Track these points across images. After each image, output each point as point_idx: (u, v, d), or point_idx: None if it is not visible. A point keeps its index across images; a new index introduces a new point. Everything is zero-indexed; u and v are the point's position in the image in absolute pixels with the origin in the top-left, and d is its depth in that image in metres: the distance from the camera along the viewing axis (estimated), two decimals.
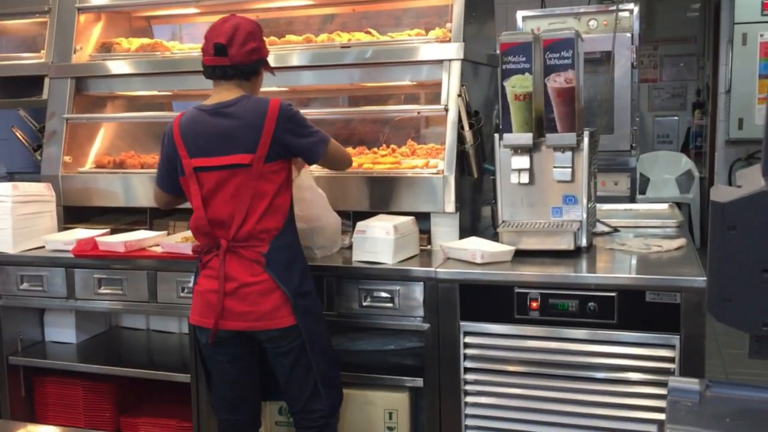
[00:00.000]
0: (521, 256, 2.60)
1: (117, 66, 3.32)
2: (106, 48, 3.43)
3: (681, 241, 2.70)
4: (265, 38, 3.20)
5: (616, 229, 3.00)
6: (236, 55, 2.34)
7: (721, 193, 0.88)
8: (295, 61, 3.11)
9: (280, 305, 2.31)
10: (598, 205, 3.17)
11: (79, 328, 3.19)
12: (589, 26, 4.55)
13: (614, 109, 4.47)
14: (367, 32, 3.17)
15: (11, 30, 3.77)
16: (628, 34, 4.45)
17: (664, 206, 3.55)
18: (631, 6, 4.53)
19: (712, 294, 0.92)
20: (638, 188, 5.40)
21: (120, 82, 3.38)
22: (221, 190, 2.32)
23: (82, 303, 2.93)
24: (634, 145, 4.54)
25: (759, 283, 0.88)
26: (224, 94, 2.38)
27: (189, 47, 3.44)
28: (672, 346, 2.26)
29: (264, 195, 2.31)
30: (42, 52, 3.43)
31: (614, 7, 4.29)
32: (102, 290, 2.88)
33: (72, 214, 3.30)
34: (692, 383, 0.85)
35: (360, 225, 2.65)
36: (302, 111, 3.52)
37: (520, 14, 4.77)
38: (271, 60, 3.10)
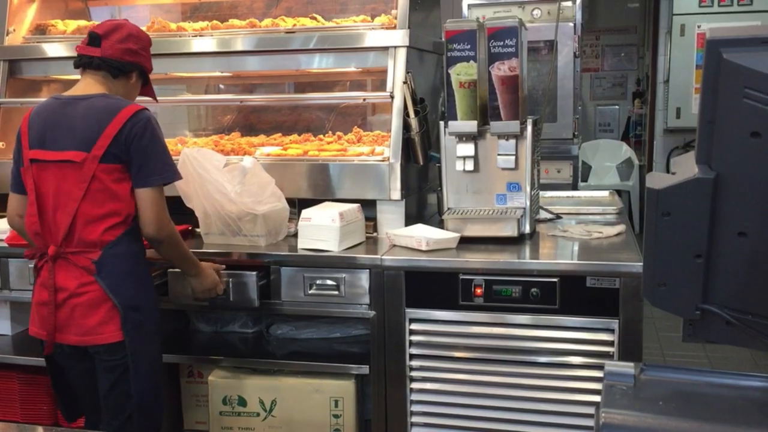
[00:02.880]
0: (466, 242, 2.62)
1: (52, 49, 3.21)
2: (40, 30, 3.31)
3: (620, 228, 2.76)
4: (208, 27, 3.17)
5: (558, 216, 3.04)
6: (108, 48, 2.25)
7: (656, 180, 0.90)
8: (238, 46, 3.05)
9: (109, 319, 2.18)
10: (542, 193, 3.22)
11: (15, 320, 3.09)
12: (533, 15, 4.60)
13: (557, 98, 4.54)
14: (312, 18, 3.14)
15: None
16: (571, 24, 4.52)
17: (605, 193, 3.63)
18: None
19: (646, 278, 0.95)
20: (580, 176, 5.51)
21: (55, 65, 3.26)
22: (53, 188, 2.18)
23: (18, 294, 2.84)
24: (576, 133, 4.63)
25: (692, 268, 0.90)
26: (87, 86, 2.27)
27: None
28: (611, 330, 2.31)
29: (97, 198, 2.16)
30: None
31: None
32: None
33: (6, 203, 3.18)
34: (627, 367, 0.87)
35: (305, 212, 2.63)
36: (247, 96, 3.51)
37: (465, 2, 4.79)
38: (215, 45, 3.07)
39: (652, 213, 0.88)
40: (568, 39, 4.54)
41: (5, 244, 2.77)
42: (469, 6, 4.77)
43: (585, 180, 7.15)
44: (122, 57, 2.27)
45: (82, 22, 3.37)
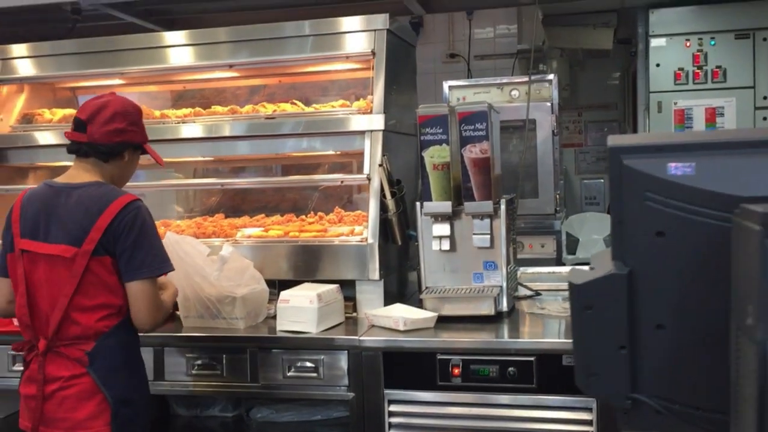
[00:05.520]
0: (446, 322, 2.63)
1: (38, 137, 3.29)
2: (27, 119, 3.40)
3: None
4: (191, 113, 3.26)
5: (537, 293, 3.06)
6: (95, 132, 2.20)
7: (577, 276, 0.93)
8: (220, 131, 3.13)
9: (99, 413, 2.12)
10: (524, 269, 3.25)
11: None
12: (511, 96, 4.73)
13: (537, 174, 4.62)
14: (293, 103, 3.24)
15: None
16: (548, 103, 4.64)
17: (586, 269, 3.65)
18: (550, 77, 4.74)
19: (578, 369, 0.97)
20: (567, 249, 5.54)
21: (42, 152, 3.34)
22: (44, 280, 2.14)
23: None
24: (558, 208, 4.69)
25: (617, 358, 0.93)
26: (79, 173, 2.25)
27: None
28: (589, 409, 2.30)
29: (89, 292, 2.12)
30: None
31: (534, 78, 4.50)
32: (16, 367, 2.77)
33: None
34: None
35: (284, 294, 2.65)
36: (227, 180, 3.56)
37: (446, 84, 4.92)
38: (198, 131, 3.16)
39: (575, 306, 0.91)
40: (547, 117, 4.66)
41: None
42: (450, 87, 4.90)
43: (573, 253, 7.17)
44: (110, 140, 2.22)
45: (69, 111, 3.45)
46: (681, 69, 5.67)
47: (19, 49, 3.42)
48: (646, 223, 0.88)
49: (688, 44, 5.65)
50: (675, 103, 5.95)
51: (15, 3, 3.39)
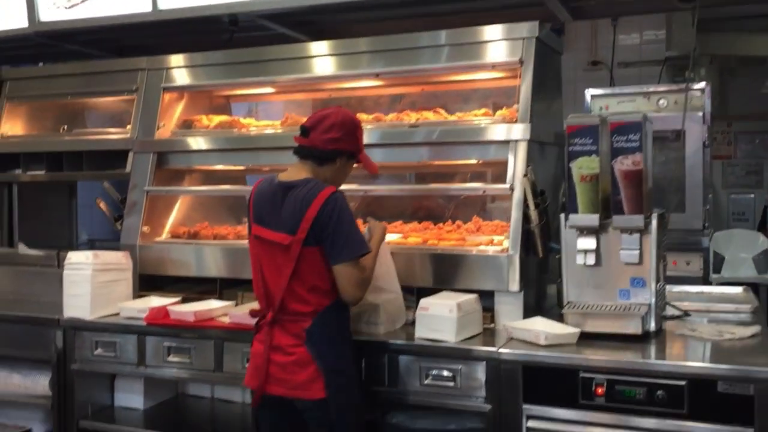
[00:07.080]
0: (587, 338, 2.55)
1: (196, 142, 3.49)
2: (187, 125, 3.60)
3: (755, 329, 2.61)
4: None
5: (686, 313, 2.91)
6: (315, 139, 2.52)
7: None
8: (364, 139, 3.18)
9: (315, 378, 2.41)
10: (670, 287, 3.10)
11: (147, 395, 3.26)
12: (658, 105, 4.53)
13: (685, 188, 4.40)
14: (436, 112, 3.25)
15: (102, 107, 4.03)
16: (700, 113, 4.41)
17: (739, 290, 3.44)
18: (702, 85, 4.50)
19: None
20: (713, 267, 5.23)
21: (198, 156, 3.53)
22: (268, 262, 2.49)
23: (152, 370, 3.01)
24: (706, 225, 4.43)
25: None
26: (297, 171, 2.55)
27: (264, 124, 3.59)
28: None
29: (304, 276, 2.42)
30: (128, 127, 3.63)
31: (684, 86, 4.27)
32: (171, 358, 2.96)
33: (147, 282, 3.42)
34: None
35: (423, 302, 2.66)
36: (369, 187, 3.63)
37: (588, 93, 4.78)
38: None
39: None
40: (697, 128, 4.43)
41: (144, 323, 2.96)
42: (593, 96, 4.76)
43: (718, 271, 6.77)
44: (325, 146, 2.51)
45: (224, 117, 3.64)
46: None
47: (180, 59, 3.64)
48: None
49: None
50: None
51: (178, 15, 3.62)
